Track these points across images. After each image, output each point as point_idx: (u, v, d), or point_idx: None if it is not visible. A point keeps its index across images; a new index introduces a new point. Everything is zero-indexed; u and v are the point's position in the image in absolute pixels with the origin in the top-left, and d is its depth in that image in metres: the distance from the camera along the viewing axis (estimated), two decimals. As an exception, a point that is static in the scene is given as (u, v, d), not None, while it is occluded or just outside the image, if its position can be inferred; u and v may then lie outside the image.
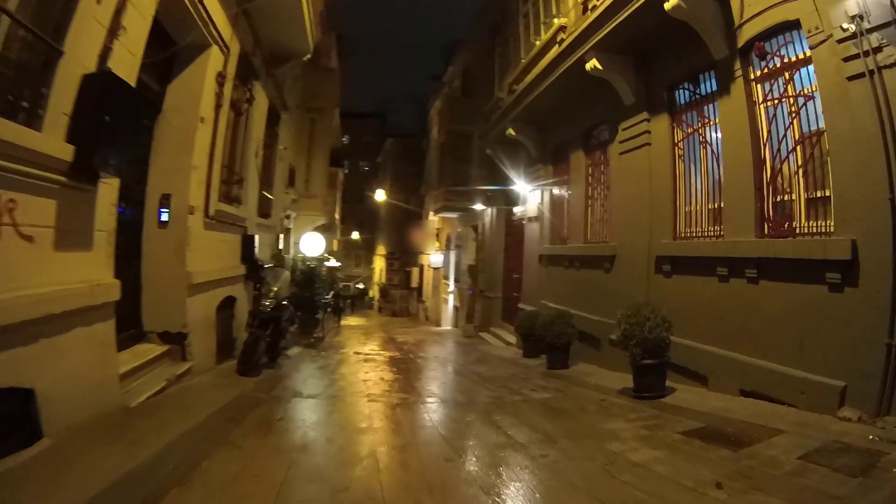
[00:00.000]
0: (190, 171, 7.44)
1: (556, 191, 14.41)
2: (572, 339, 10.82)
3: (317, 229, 20.29)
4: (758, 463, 4.45)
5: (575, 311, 11.19)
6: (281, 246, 16.03)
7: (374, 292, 53.24)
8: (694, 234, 8.65)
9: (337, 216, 35.16)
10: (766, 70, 7.19)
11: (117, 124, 4.99)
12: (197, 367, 7.55)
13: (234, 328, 9.91)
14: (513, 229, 18.87)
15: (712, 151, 8.35)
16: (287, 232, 18.64)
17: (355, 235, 53.69)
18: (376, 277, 54.82)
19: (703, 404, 6.65)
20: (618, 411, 6.77)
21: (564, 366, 10.79)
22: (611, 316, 10.22)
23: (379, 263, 54.14)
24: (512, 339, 16.48)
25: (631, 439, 5.38)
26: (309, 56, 12.23)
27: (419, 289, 38.23)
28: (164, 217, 7.30)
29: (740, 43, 7.43)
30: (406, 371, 11.02)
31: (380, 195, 37.16)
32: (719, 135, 8.09)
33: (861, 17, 5.53)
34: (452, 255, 27.92)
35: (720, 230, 7.95)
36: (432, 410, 6.96)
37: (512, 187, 16.94)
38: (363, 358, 12.82)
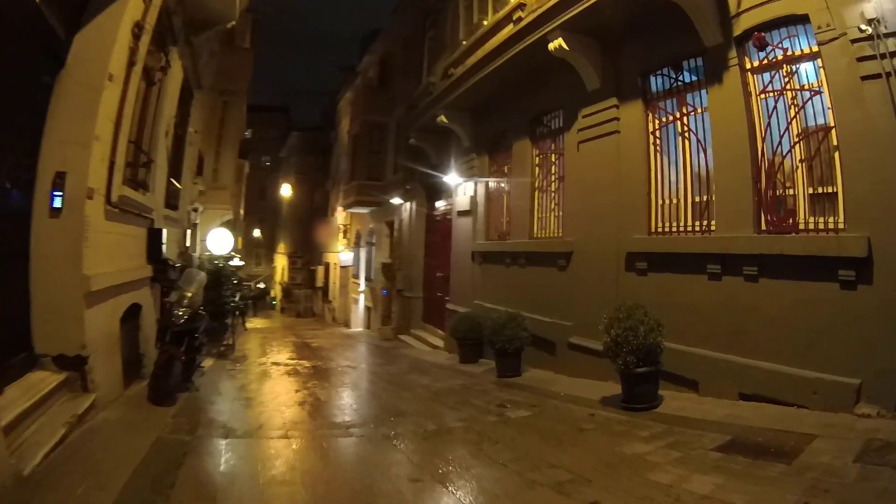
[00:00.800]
0: (91, 142, 5.80)
1: (493, 183, 13.41)
2: (525, 343, 9.77)
3: (224, 225, 18.45)
4: (822, 474, 3.99)
5: (522, 312, 10.14)
6: (188, 243, 14.19)
7: (277, 292, 50.83)
8: (675, 230, 7.89)
9: (241, 211, 32.96)
10: (765, 61, 6.75)
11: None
12: (102, 399, 5.88)
13: (142, 342, 8.17)
14: (436, 225, 17.82)
15: (698, 142, 7.63)
16: (194, 227, 16.81)
17: (257, 233, 51.28)
18: (278, 277, 52.33)
19: (708, 412, 5.99)
20: (621, 428, 5.84)
21: (517, 373, 9.74)
22: (567, 318, 9.52)
23: (281, 262, 51.71)
24: (438, 342, 15.51)
25: (668, 464, 4.51)
26: (233, 23, 10.73)
27: (325, 288, 36.49)
28: (57, 202, 5.58)
29: (737, 31, 6.92)
30: (343, 386, 9.70)
31: (286, 190, 35.06)
32: (707, 125, 7.48)
33: (878, 21, 5.42)
34: (363, 253, 26.51)
35: (708, 225, 7.32)
36: (412, 450, 5.43)
37: (437, 180, 15.89)
38: (286, 370, 11.37)
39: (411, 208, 18.95)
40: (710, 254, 6.95)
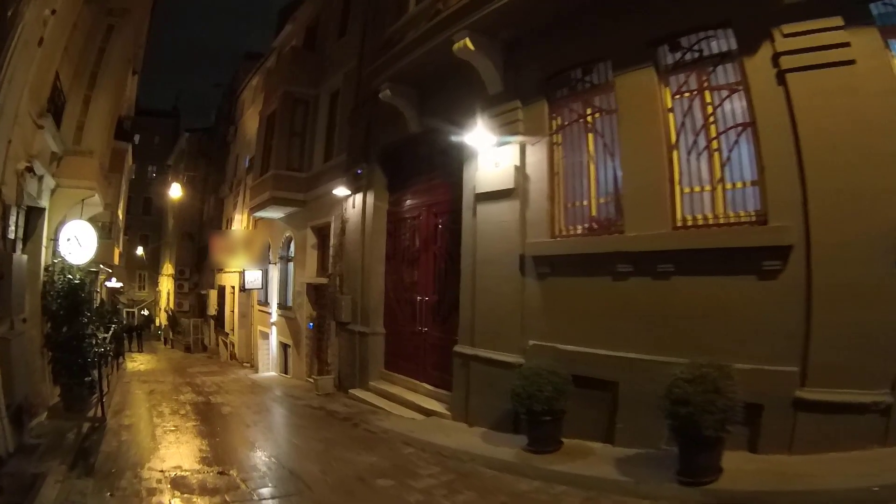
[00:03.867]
0: None
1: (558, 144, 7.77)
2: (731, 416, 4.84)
3: (91, 219, 11.95)
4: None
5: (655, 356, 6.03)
6: (11, 232, 7.79)
7: (162, 319, 42.07)
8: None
9: (121, 214, 24.84)
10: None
11: None
12: None
13: None
14: (406, 225, 11.58)
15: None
16: (34, 212, 9.91)
17: (140, 251, 42.91)
18: (163, 302, 43.57)
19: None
20: None
21: (715, 472, 4.96)
22: (789, 359, 5.35)
23: (166, 285, 43.06)
24: (428, 403, 9.57)
25: None
26: None
27: (219, 317, 28.69)
28: None
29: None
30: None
31: (173, 194, 27.02)
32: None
33: None
34: (275, 272, 19.32)
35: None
36: None
37: (413, 158, 10.93)
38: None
39: (364, 203, 12.39)
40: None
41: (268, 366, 19.08)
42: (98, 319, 11.21)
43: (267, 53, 23.99)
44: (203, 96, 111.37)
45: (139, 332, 32.56)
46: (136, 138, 36.60)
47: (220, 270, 27.96)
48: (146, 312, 38.70)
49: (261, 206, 17.36)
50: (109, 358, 12.30)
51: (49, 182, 9.96)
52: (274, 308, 18.95)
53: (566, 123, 7.72)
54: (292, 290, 17.34)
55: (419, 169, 11.22)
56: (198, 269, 36.18)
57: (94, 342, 10.07)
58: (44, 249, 10.23)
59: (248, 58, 29.56)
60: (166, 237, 43.93)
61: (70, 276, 10.36)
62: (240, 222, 25.07)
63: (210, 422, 9.73)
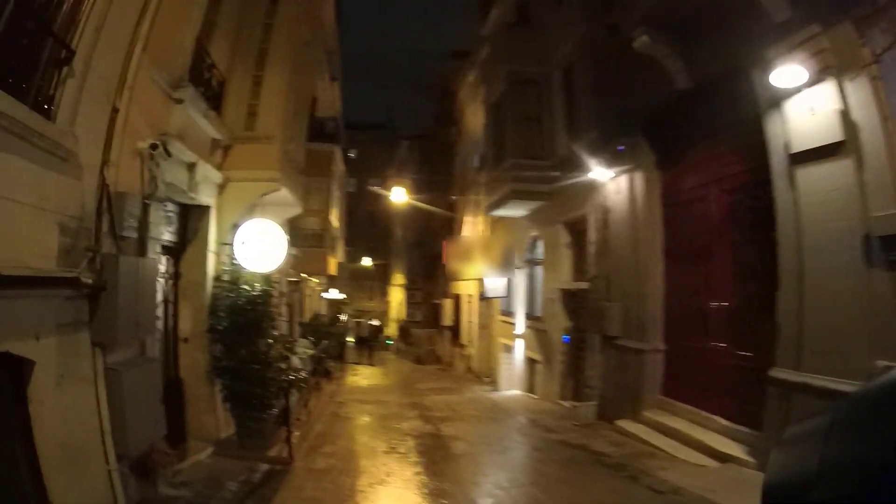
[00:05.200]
0: None
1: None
2: None
3: (293, 225, 11.08)
4: None
5: None
6: (130, 229, 6.32)
7: (392, 330, 43.25)
8: None
9: (334, 220, 25.32)
10: None
11: None
12: None
13: None
14: (684, 208, 9.63)
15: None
16: (195, 211, 9.23)
17: (367, 262, 44.49)
18: (393, 313, 44.88)
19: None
20: None
21: None
22: None
23: (396, 296, 44.33)
24: (724, 444, 7.69)
25: None
26: None
27: (455, 328, 28.21)
28: None
29: None
30: None
31: (397, 199, 27.01)
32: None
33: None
34: (520, 278, 17.88)
35: None
36: None
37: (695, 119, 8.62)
38: None
39: (631, 187, 10.58)
40: None
41: (510, 383, 17.75)
42: (269, 341, 9.74)
43: (477, 46, 23.15)
44: (412, 104, 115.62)
45: (370, 344, 33.19)
46: (354, 153, 38.86)
47: (455, 279, 27.38)
48: (376, 323, 39.82)
49: (499, 203, 16.12)
50: (302, 385, 10.94)
51: (211, 174, 9.12)
52: (520, 318, 17.58)
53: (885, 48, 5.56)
54: (542, 297, 15.83)
55: (695, 135, 9.20)
56: (429, 279, 36.40)
57: (280, 367, 9.17)
58: (211, 255, 9.35)
59: (455, 56, 29.29)
60: (394, 247, 45.36)
61: (246, 288, 9.32)
62: (473, 226, 24.40)
63: (436, 469, 8.31)
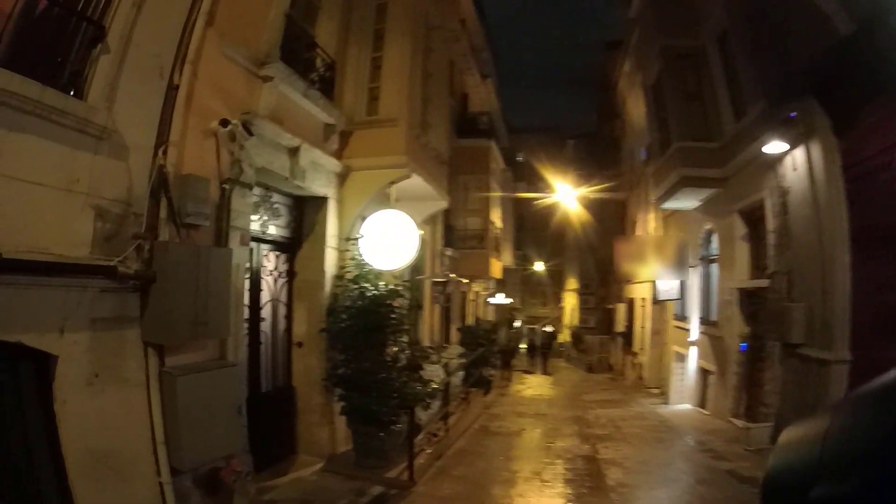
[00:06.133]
0: None
1: None
2: None
3: (446, 223, 10.84)
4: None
5: None
6: (198, 215, 5.72)
7: (565, 337, 41.99)
8: None
9: (496, 220, 24.46)
10: None
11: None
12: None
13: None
14: (869, 181, 7.62)
15: None
16: (310, 204, 8.88)
17: (539, 267, 43.72)
18: (566, 319, 43.64)
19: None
20: None
21: None
22: None
23: (570, 301, 43.10)
24: None
25: None
26: None
27: (627, 335, 26.34)
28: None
29: None
30: None
31: (565, 194, 25.91)
32: None
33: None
34: (694, 278, 15.94)
35: None
36: None
37: None
38: None
39: (809, 160, 8.79)
40: None
41: (681, 395, 15.94)
42: (398, 348, 8.97)
43: (628, 31, 21.53)
44: (574, 103, 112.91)
45: (543, 352, 31.94)
46: (521, 157, 38.74)
47: (627, 281, 25.48)
48: (550, 329, 38.81)
49: (668, 194, 14.47)
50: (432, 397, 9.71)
51: (324, 161, 8.55)
52: (694, 323, 15.71)
53: None
54: (717, 299, 13.99)
55: (871, 88, 7.21)
56: (603, 282, 34.96)
57: (408, 377, 8.34)
58: (330, 251, 8.74)
59: (609, 47, 28.15)
60: (567, 251, 44.35)
61: (369, 286, 8.51)
62: (644, 224, 22.66)
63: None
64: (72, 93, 4.43)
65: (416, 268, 12.65)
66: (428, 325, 15.85)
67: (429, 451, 9.01)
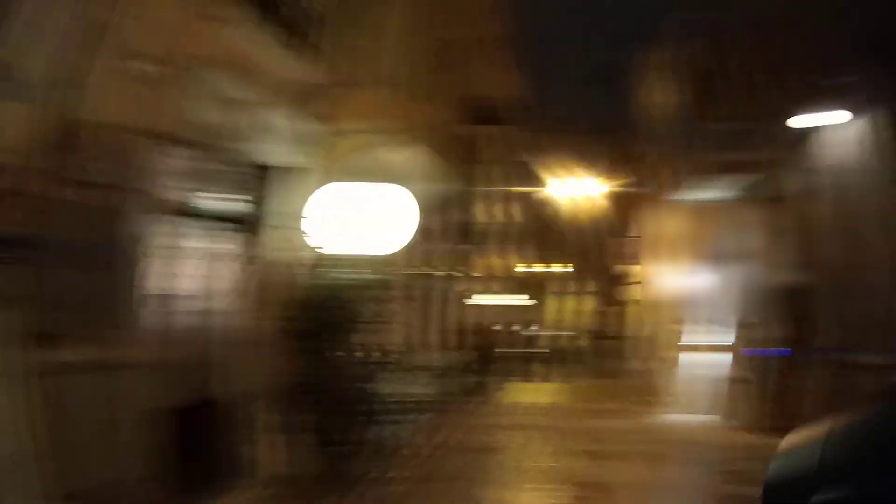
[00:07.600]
0: None
1: None
2: None
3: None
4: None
5: None
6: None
7: (582, 340, 42.00)
8: None
9: (509, 213, 24.24)
10: None
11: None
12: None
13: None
14: None
15: None
16: (281, 174, 7.66)
17: (556, 268, 43.58)
18: (582, 322, 43.87)
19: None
20: None
21: None
22: None
23: (587, 304, 43.72)
24: None
25: None
26: None
27: (641, 341, 26.58)
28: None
29: None
30: None
31: (587, 189, 25.60)
32: None
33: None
34: (722, 273, 15.42)
35: None
36: None
37: None
38: None
39: (874, 131, 7.95)
40: None
41: (701, 404, 15.22)
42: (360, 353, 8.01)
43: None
44: (606, 96, 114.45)
45: (559, 357, 31.72)
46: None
47: (645, 282, 26.02)
48: (566, 333, 38.67)
49: (702, 183, 14.87)
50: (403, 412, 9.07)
51: (293, 123, 7.51)
52: (721, 324, 15.52)
53: None
54: (749, 299, 13.61)
55: None
56: (620, 287, 35.33)
57: (368, 386, 7.50)
58: (297, 232, 7.73)
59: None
60: (582, 252, 43.99)
61: (334, 276, 7.58)
62: (672, 218, 21.78)
63: None
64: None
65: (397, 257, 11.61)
66: (406, 326, 14.85)
67: (390, 474, 7.87)
